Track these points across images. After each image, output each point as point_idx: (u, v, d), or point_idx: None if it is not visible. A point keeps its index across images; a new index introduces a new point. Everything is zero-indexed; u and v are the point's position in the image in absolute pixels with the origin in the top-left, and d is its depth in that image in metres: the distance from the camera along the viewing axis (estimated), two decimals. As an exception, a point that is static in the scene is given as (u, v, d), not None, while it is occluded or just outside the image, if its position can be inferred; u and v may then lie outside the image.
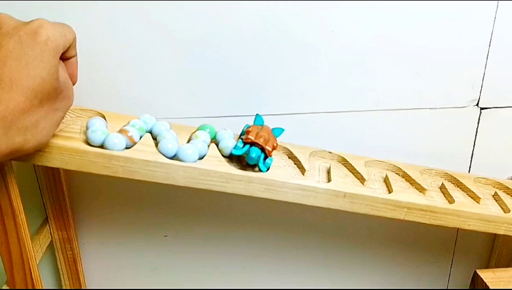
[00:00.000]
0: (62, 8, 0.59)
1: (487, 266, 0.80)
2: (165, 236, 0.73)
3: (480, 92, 0.67)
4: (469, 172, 0.73)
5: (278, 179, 0.56)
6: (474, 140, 0.71)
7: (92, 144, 0.52)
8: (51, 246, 0.69)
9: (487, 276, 0.56)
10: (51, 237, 0.69)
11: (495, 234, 0.77)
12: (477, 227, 0.60)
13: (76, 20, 0.60)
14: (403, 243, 0.78)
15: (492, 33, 0.64)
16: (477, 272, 0.56)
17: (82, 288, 0.74)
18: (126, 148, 0.54)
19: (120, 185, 0.69)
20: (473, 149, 0.71)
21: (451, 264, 0.80)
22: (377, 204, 0.58)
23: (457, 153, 0.71)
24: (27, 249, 0.54)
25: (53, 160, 0.51)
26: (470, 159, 0.72)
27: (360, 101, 0.67)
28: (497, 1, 0.62)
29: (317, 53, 0.64)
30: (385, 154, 0.68)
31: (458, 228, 0.73)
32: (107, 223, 0.72)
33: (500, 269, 0.57)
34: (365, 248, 0.78)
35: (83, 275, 0.74)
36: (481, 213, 0.59)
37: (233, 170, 0.55)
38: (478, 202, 0.63)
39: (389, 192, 0.60)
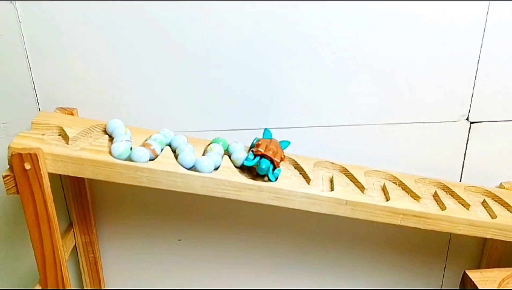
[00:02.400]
0: (90, 35, 0.65)
1: (478, 267, 0.86)
2: (178, 240, 0.79)
3: (470, 107, 0.73)
4: (460, 181, 0.79)
5: (286, 188, 0.62)
6: (464, 151, 0.76)
7: (115, 156, 0.58)
8: (74, 249, 0.75)
9: (475, 276, 0.61)
10: (75, 241, 0.74)
11: (485, 238, 0.82)
12: (466, 231, 0.66)
13: (100, 44, 0.66)
14: (399, 246, 0.84)
15: (480, 53, 0.70)
16: (466, 272, 0.62)
17: (102, 288, 0.80)
18: (150, 160, 0.60)
19: (139, 193, 0.75)
20: (464, 160, 0.77)
21: (445, 266, 0.86)
22: (376, 211, 0.64)
23: (449, 163, 0.77)
24: (59, 251, 0.59)
25: (86, 172, 0.57)
26: (461, 169, 0.78)
27: (359, 116, 0.73)
28: (484, 23, 0.68)
29: (320, 72, 0.70)
30: (383, 164, 0.73)
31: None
32: (125, 228, 0.78)
33: (487, 269, 0.63)
34: (363, 251, 0.84)
35: (103, 276, 0.80)
36: (470, 219, 0.65)
37: (245, 179, 0.61)
38: (467, 209, 0.69)
39: (387, 200, 0.66)
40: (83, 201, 0.71)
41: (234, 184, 0.60)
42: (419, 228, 0.65)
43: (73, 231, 0.74)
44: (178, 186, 0.59)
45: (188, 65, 0.68)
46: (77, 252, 0.76)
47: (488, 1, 0.67)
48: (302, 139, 0.73)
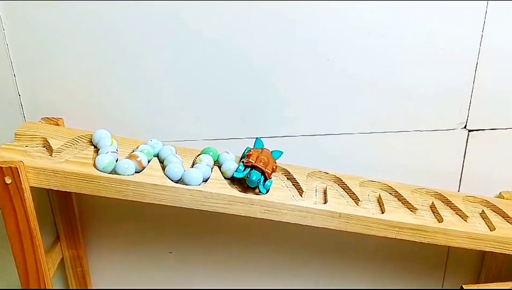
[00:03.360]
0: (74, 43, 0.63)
1: (477, 279, 0.84)
2: (169, 252, 0.77)
3: (468, 115, 0.71)
4: (459, 190, 0.77)
5: (277, 201, 0.60)
6: (463, 160, 0.74)
7: (100, 169, 0.56)
8: (62, 263, 0.73)
9: (473, 291, 0.59)
10: (62, 255, 0.72)
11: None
12: (464, 244, 0.64)
13: (87, 52, 0.64)
14: (396, 257, 0.81)
15: (477, 61, 0.68)
16: (463, 287, 0.60)
17: (91, 302, 0.78)
18: (136, 172, 0.58)
19: (128, 206, 0.73)
20: (462, 169, 0.75)
21: (443, 278, 0.84)
22: (370, 224, 0.62)
23: (447, 172, 0.75)
24: (43, 268, 0.57)
25: (69, 185, 0.55)
26: (459, 178, 0.76)
27: (355, 124, 0.71)
28: (481, 31, 0.67)
29: (314, 79, 0.68)
30: (379, 174, 0.72)
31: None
32: (115, 241, 0.76)
33: (484, 284, 0.61)
34: (359, 262, 0.81)
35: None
36: (468, 232, 0.63)
37: (235, 192, 0.59)
38: (466, 220, 0.67)
39: (382, 212, 0.64)
40: (70, 214, 0.69)
41: (223, 197, 0.58)
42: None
43: (60, 244, 0.72)
44: (165, 199, 0.57)
45: (178, 73, 0.66)
46: (65, 267, 0.74)
47: (486, 7, 0.65)
48: (296, 148, 0.71)
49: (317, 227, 0.61)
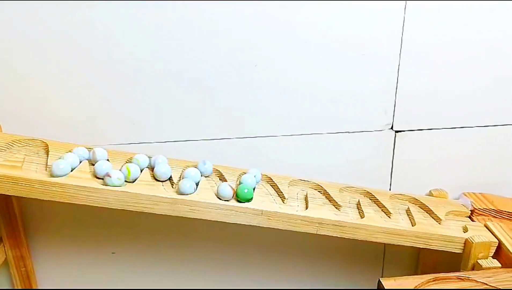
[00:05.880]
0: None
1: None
2: (112, 253, 0.80)
3: (393, 117, 0.75)
4: (390, 189, 0.80)
5: (201, 200, 0.62)
6: (392, 160, 0.78)
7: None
8: (6, 263, 0.75)
9: (389, 284, 0.62)
10: (6, 255, 0.75)
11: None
12: (385, 239, 0.67)
13: (24, 55, 0.67)
14: (334, 253, 0.84)
15: (399, 62, 0.72)
16: (380, 280, 0.63)
17: (37, 301, 0.80)
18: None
19: (70, 206, 0.75)
20: (392, 169, 0.78)
21: (382, 274, 0.87)
22: (291, 220, 0.65)
23: (378, 172, 0.79)
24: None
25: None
26: (390, 178, 0.79)
27: (286, 126, 0.74)
28: (401, 34, 0.70)
29: (243, 84, 0.71)
30: (312, 175, 0.74)
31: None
32: (58, 241, 0.78)
33: (401, 277, 0.64)
34: (297, 258, 0.84)
35: (37, 290, 0.81)
36: (386, 227, 0.66)
37: (159, 193, 0.61)
38: (389, 217, 0.70)
39: (306, 209, 0.67)
40: (11, 214, 0.72)
41: (148, 197, 0.61)
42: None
43: (3, 245, 0.74)
44: (94, 200, 0.60)
45: (111, 76, 0.69)
46: (9, 267, 0.76)
47: (404, 10, 0.68)
48: (228, 151, 0.74)
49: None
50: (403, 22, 0.69)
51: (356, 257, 0.85)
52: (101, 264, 0.80)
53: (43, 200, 0.74)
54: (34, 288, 0.78)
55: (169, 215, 0.62)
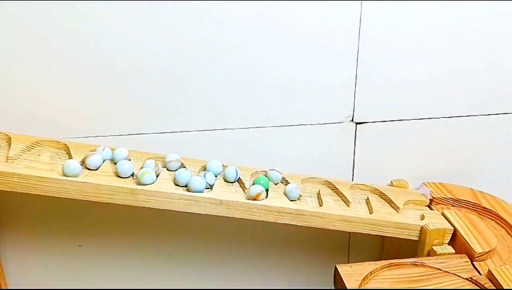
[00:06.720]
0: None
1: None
2: (79, 245, 0.81)
3: (353, 109, 0.77)
4: (352, 180, 0.82)
5: (161, 190, 0.64)
6: (353, 151, 0.80)
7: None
8: (-28, 257, 0.76)
9: (344, 270, 0.64)
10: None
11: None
12: (342, 227, 0.69)
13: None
14: (298, 243, 0.86)
15: (357, 55, 0.73)
16: (337, 266, 0.65)
17: (4, 294, 0.81)
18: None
19: (35, 199, 0.76)
20: (354, 160, 0.80)
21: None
22: (250, 209, 0.66)
23: (340, 164, 0.81)
24: None
25: None
26: (352, 169, 0.81)
27: (249, 119, 0.76)
28: (358, 26, 0.72)
29: (204, 78, 0.72)
30: (274, 166, 0.76)
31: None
32: (25, 234, 0.79)
33: (356, 263, 0.66)
34: (262, 250, 0.86)
35: (5, 283, 0.81)
36: (343, 215, 0.68)
37: (117, 183, 0.63)
38: (348, 206, 0.72)
39: (267, 198, 0.68)
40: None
41: (108, 188, 0.62)
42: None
43: (-31, 238, 0.75)
44: (52, 191, 0.61)
45: (77, 69, 0.70)
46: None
47: (360, 2, 0.70)
48: (193, 143, 0.76)
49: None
50: (360, 14, 0.71)
51: (319, 246, 0.87)
52: (67, 257, 0.81)
53: (5, 194, 0.75)
54: (2, 282, 0.79)
55: (134, 206, 0.63)
